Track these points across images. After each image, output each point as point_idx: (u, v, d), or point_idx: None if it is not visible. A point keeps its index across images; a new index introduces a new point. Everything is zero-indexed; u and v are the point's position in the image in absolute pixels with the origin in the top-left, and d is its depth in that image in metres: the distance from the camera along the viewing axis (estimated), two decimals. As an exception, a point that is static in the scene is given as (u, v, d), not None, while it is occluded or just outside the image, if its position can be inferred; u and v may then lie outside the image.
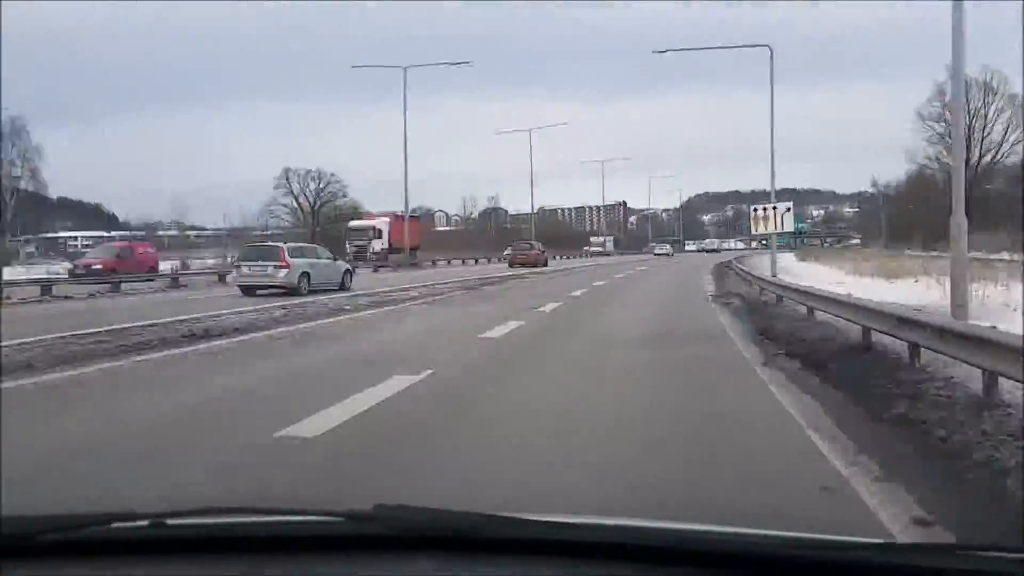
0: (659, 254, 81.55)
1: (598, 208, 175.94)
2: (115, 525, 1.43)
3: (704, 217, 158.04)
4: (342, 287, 22.38)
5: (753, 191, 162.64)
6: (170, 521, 1.43)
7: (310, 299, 18.44)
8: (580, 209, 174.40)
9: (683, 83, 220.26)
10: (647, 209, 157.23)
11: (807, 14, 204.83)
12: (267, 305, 16.58)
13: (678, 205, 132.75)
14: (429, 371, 7.62)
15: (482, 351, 9.65)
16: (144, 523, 1.42)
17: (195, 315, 13.61)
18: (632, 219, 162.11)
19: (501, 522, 1.41)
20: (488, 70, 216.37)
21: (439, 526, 1.39)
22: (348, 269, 24.59)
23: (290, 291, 20.39)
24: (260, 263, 21.11)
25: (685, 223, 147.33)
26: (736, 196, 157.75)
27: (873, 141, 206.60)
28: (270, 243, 25.19)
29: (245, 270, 21.46)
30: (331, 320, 14.14)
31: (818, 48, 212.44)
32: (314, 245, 25.82)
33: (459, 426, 5.56)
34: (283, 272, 20.71)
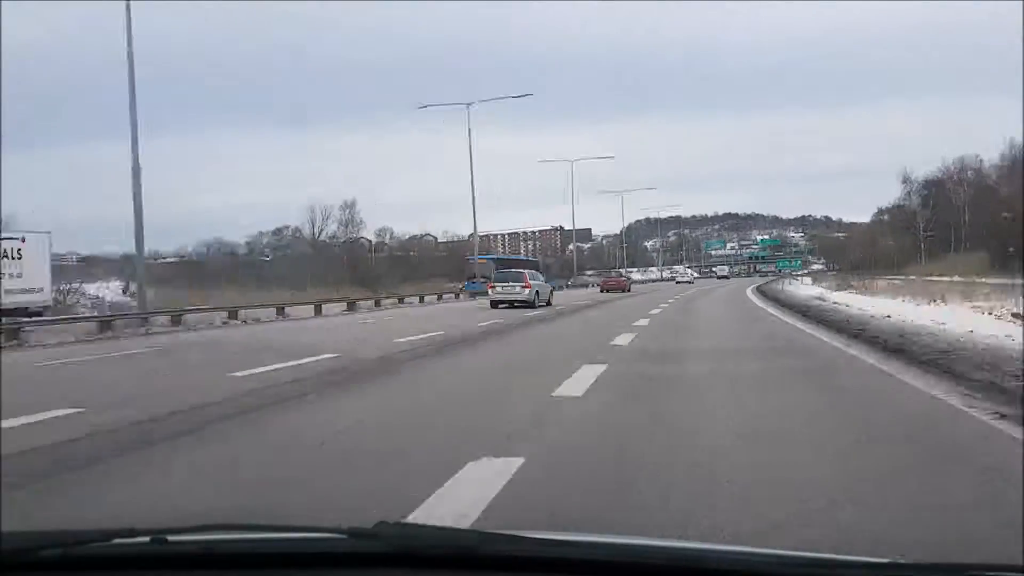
0: (681, 282, 76.22)
1: (533, 233, 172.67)
2: (116, 541, 1.44)
3: (647, 243, 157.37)
4: (548, 303, 28.93)
5: (695, 216, 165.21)
6: (171, 537, 1.44)
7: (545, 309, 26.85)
8: (514, 235, 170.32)
9: (622, 111, 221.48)
10: (591, 237, 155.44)
11: (753, 42, 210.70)
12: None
13: (619, 230, 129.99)
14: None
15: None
16: (145, 539, 1.42)
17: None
18: (570, 247, 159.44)
19: (500, 540, 1.44)
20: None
21: (440, 543, 1.41)
22: (553, 288, 32.79)
23: (528, 304, 26.86)
24: (510, 284, 28.08)
25: (628, 250, 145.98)
26: (677, 222, 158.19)
27: (810, 165, 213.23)
28: (515, 270, 31.96)
29: (499, 289, 27.97)
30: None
31: (762, 75, 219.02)
32: (535, 271, 33.31)
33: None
34: (527, 291, 27.51)
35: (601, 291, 48.22)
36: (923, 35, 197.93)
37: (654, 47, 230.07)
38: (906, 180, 78.43)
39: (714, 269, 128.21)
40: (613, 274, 59.73)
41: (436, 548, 1.39)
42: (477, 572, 1.36)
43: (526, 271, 30.72)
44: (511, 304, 26.86)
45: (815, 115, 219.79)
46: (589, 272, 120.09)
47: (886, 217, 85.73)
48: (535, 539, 1.45)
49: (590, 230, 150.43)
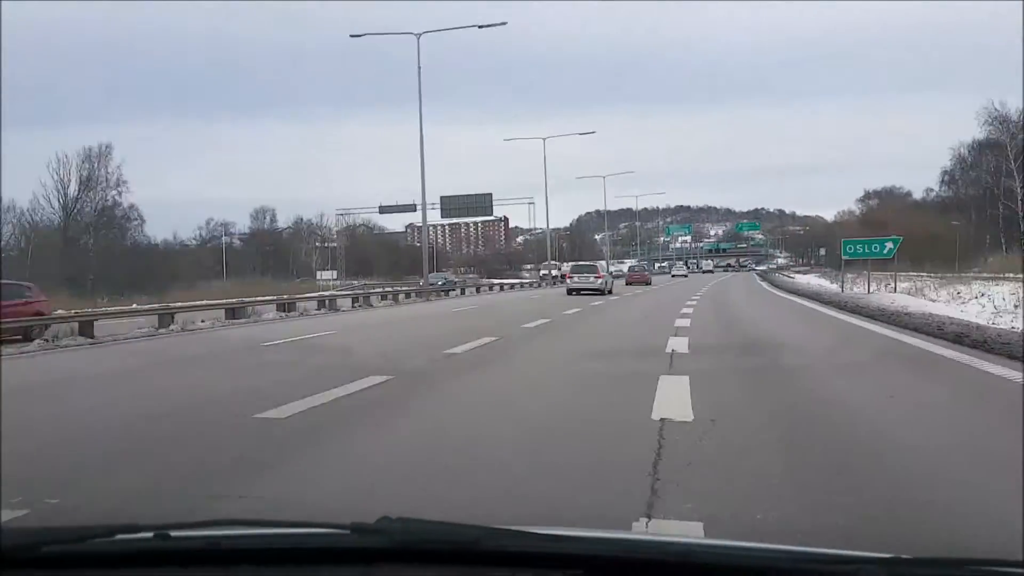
0: (676, 275, 75.67)
1: (475, 224, 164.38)
2: (118, 537, 1.43)
3: (596, 236, 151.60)
4: (610, 292, 32.50)
5: (646, 209, 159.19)
6: (174, 533, 1.44)
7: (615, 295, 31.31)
8: (455, 226, 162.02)
9: (562, 107, 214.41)
10: (533, 229, 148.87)
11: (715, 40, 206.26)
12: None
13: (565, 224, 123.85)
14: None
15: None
16: (148, 535, 1.42)
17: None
18: (519, 239, 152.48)
19: (503, 535, 1.42)
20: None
21: (442, 539, 1.40)
22: (613, 279, 38.65)
23: (600, 292, 31.18)
24: (585, 275, 33.01)
25: (576, 243, 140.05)
26: (627, 215, 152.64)
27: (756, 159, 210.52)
28: (588, 263, 40.84)
29: (576, 279, 32.82)
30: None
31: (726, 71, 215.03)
32: (604, 263, 41.70)
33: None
34: (600, 280, 32.30)
35: (627, 284, 49.65)
36: (876, 35, 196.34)
37: (602, 43, 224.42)
38: (994, 120, 55.40)
39: (700, 264, 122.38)
40: (637, 268, 61.22)
41: (439, 543, 1.38)
42: (480, 567, 1.35)
43: (599, 264, 38.75)
44: (578, 291, 30.89)
45: (774, 111, 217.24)
46: (527, 267, 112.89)
47: (874, 202, 79.03)
48: (538, 534, 1.46)
49: (490, 195, 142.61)
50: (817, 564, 1.32)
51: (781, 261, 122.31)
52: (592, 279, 31.72)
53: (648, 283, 49.76)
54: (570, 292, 30.88)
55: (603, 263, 38.21)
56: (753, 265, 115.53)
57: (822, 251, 77.69)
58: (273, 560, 1.38)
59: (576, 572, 1.31)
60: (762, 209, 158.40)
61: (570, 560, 1.33)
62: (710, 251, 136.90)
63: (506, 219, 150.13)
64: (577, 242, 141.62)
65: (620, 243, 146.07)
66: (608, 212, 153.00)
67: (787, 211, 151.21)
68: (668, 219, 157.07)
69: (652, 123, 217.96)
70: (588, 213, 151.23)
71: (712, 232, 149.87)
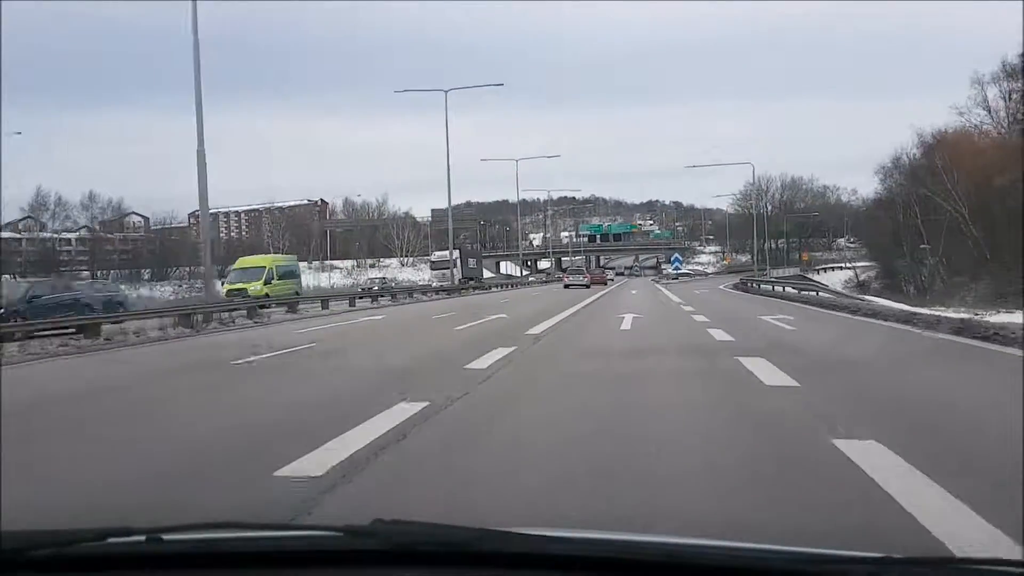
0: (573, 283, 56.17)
1: (282, 209, 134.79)
2: (110, 540, 1.42)
3: (464, 234, 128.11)
4: (588, 287, 47.57)
5: (525, 200, 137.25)
6: (166, 536, 1.43)
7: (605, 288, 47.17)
8: (254, 212, 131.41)
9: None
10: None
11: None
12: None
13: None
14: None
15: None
16: (140, 538, 1.41)
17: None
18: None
19: (495, 537, 1.43)
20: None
21: (434, 541, 1.41)
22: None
23: (587, 286, 46.06)
24: (576, 275, 51.41)
25: (437, 237, 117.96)
26: (502, 207, 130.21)
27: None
28: (579, 268, 61.64)
29: (569, 278, 50.37)
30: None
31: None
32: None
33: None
34: (586, 279, 50.18)
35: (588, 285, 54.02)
36: (769, 37, 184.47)
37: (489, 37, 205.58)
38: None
39: (611, 267, 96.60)
40: (598, 271, 66.47)
41: (431, 545, 1.39)
42: (473, 569, 1.35)
43: (583, 266, 70.01)
44: (567, 287, 45.59)
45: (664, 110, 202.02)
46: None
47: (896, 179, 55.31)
48: (531, 536, 1.47)
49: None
50: (808, 564, 1.32)
51: (707, 259, 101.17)
52: (580, 278, 49.54)
53: (605, 283, 56.19)
54: (567, 287, 45.71)
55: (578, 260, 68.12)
56: (678, 264, 69.40)
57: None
58: (264, 563, 1.39)
59: (569, 573, 1.32)
60: (656, 201, 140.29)
61: (563, 561, 1.34)
62: (591, 237, 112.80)
63: (322, 202, 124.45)
64: (440, 237, 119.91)
65: (491, 240, 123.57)
66: (481, 205, 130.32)
67: (684, 203, 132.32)
68: (549, 212, 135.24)
69: (537, 119, 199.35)
70: (457, 206, 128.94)
71: (604, 225, 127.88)
